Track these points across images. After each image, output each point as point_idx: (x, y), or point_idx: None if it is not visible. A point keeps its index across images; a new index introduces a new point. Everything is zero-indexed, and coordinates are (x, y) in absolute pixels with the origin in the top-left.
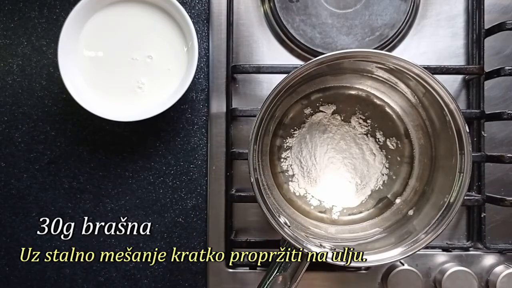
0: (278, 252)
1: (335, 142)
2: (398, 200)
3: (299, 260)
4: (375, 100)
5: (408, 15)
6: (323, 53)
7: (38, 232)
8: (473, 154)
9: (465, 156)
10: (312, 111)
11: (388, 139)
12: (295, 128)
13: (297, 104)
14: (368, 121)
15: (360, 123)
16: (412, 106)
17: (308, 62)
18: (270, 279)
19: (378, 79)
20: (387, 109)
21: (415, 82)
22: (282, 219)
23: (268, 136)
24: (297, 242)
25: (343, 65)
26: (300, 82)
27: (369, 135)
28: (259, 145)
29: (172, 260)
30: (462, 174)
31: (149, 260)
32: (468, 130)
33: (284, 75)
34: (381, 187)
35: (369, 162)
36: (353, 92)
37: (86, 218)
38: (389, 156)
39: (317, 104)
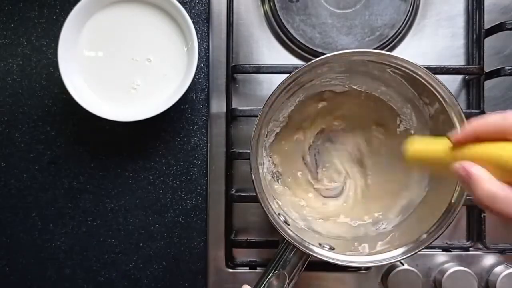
0: (277, 250)
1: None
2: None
3: (297, 258)
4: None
5: (408, 15)
6: (323, 53)
7: (38, 232)
8: None
9: None
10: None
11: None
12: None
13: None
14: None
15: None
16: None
17: (311, 62)
18: (269, 276)
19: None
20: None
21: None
22: (281, 218)
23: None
24: (296, 241)
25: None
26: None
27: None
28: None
29: (172, 260)
30: None
31: (149, 260)
32: None
33: (284, 75)
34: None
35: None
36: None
37: (86, 218)
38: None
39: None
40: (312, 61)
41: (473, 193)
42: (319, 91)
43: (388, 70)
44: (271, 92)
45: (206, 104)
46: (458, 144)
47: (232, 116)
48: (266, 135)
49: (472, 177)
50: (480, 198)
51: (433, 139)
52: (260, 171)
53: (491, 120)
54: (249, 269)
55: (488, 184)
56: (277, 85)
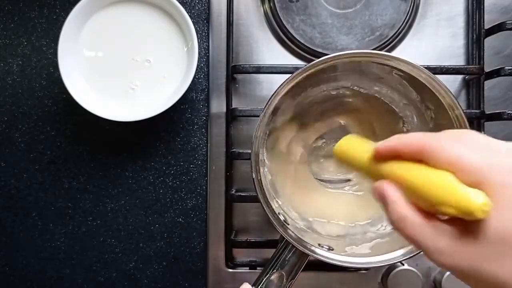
0: (276, 250)
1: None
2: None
3: (296, 258)
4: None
5: (408, 15)
6: (323, 53)
7: (38, 232)
8: None
9: None
10: None
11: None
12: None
13: None
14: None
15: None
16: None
17: (311, 63)
18: (267, 276)
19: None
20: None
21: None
22: (281, 217)
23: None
24: (296, 241)
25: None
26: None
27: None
28: None
29: (172, 260)
30: None
31: (149, 260)
32: None
33: (284, 75)
34: None
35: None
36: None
37: (86, 218)
38: None
39: None
40: (312, 62)
41: (387, 215)
42: (320, 91)
43: (388, 71)
44: (271, 92)
45: (206, 104)
46: (379, 157)
47: (232, 116)
48: (267, 134)
49: (387, 200)
50: (392, 220)
51: (363, 142)
52: (261, 170)
53: (410, 140)
54: (249, 269)
55: (400, 208)
56: (278, 85)
